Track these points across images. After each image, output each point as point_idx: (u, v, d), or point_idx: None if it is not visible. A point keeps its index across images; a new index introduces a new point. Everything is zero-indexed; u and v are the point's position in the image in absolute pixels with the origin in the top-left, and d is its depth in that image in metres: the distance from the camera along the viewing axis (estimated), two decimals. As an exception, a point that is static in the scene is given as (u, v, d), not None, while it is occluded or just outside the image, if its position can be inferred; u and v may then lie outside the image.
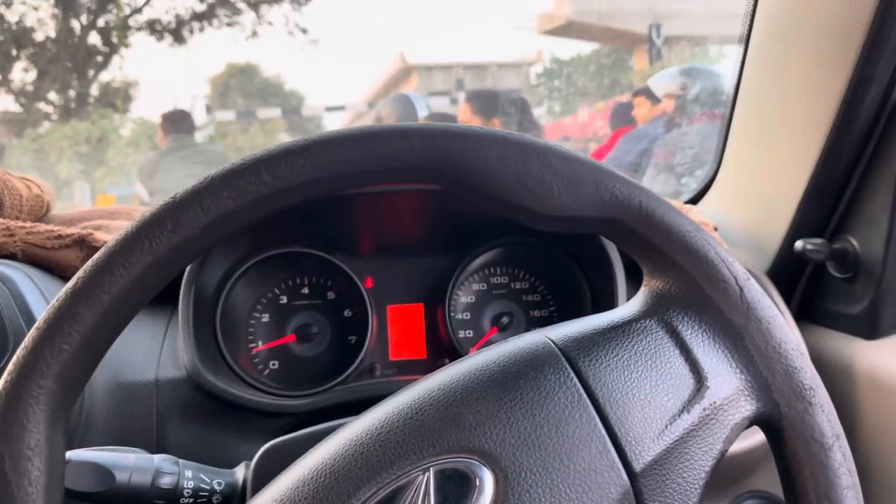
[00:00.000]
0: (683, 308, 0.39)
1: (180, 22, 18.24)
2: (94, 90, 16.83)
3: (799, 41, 0.71)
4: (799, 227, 0.78)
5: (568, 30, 22.43)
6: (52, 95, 16.62)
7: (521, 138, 0.42)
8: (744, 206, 0.89)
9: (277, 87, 27.93)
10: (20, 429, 0.33)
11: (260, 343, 0.79)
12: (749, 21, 0.80)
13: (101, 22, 17.02)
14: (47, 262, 0.72)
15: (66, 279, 0.74)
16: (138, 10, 17.68)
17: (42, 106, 16.55)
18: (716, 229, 0.85)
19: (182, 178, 3.65)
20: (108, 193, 9.60)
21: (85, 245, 0.73)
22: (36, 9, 16.41)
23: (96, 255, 0.36)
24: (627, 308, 0.41)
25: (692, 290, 0.38)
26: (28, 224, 0.74)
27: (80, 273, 0.35)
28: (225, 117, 17.38)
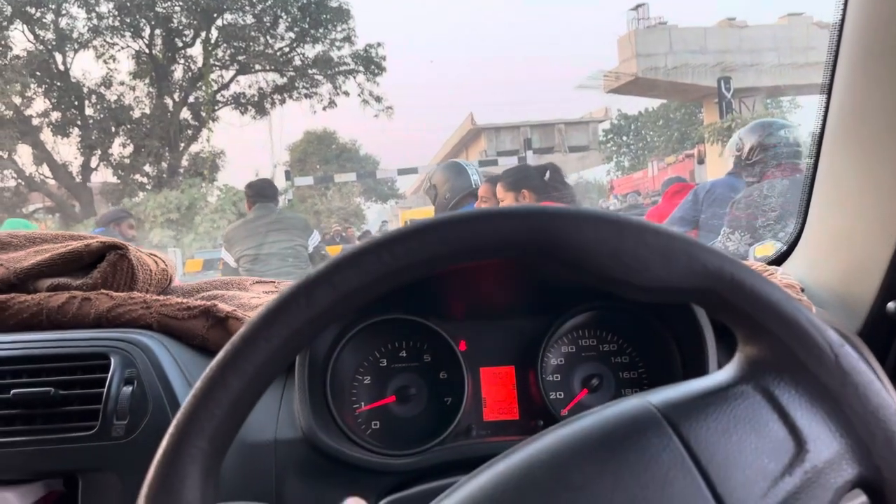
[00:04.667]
0: (779, 374, 0.40)
1: (262, 95, 19.50)
2: (184, 161, 18.10)
3: (886, 94, 0.70)
4: (890, 287, 0.77)
5: (634, 87, 22.37)
6: (147, 167, 17.99)
7: (615, 217, 0.46)
8: (831, 266, 0.88)
9: (353, 153, 29.01)
10: (179, 485, 0.36)
11: (363, 404, 0.85)
12: (830, 71, 0.78)
13: (191, 98, 18.45)
14: (177, 331, 0.81)
15: (193, 346, 0.82)
16: (225, 86, 19.07)
17: (137, 177, 17.90)
18: (803, 290, 0.86)
19: (265, 245, 3.83)
20: (197, 258, 10.02)
21: (210, 315, 0.81)
22: (133, 88, 17.95)
23: (242, 330, 0.40)
24: (724, 374, 0.43)
25: (787, 357, 0.40)
26: (161, 297, 0.83)
27: (228, 346, 0.39)
28: (304, 182, 18.14)
